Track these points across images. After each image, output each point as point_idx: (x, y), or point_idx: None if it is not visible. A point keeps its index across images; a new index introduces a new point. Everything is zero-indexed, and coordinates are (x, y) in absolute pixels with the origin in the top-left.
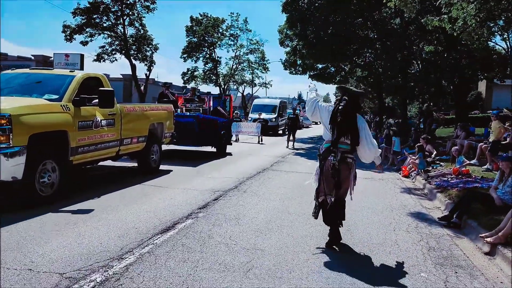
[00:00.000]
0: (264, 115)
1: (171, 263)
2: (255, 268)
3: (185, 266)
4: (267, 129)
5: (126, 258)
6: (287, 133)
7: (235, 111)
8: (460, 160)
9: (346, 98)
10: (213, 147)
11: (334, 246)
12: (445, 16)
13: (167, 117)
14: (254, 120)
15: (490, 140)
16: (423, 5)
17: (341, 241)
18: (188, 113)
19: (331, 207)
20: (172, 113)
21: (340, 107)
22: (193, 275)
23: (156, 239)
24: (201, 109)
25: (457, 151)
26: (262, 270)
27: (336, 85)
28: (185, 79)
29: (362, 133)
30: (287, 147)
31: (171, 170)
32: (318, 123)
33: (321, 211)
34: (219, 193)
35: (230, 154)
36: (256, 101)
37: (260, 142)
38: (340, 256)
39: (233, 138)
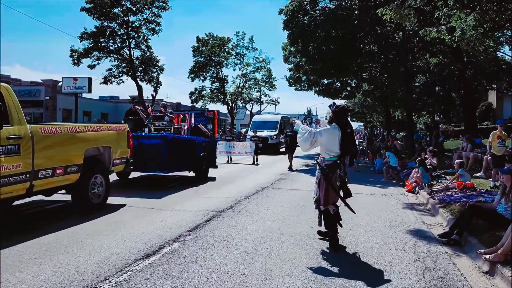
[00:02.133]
0: (265, 133)
1: None
2: None
3: None
4: (268, 147)
5: (100, 287)
6: (286, 152)
7: (241, 129)
8: (460, 173)
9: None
10: (190, 172)
11: (327, 263)
12: (443, 27)
13: (117, 139)
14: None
15: (498, 152)
16: (423, 17)
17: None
18: (157, 133)
19: (336, 213)
20: (126, 134)
21: (348, 131)
22: None
23: (137, 265)
24: (172, 128)
25: (458, 164)
26: None
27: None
28: (193, 98)
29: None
30: (289, 167)
31: (125, 205)
32: None
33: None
34: (212, 214)
35: (213, 179)
36: (255, 118)
37: (255, 163)
38: (327, 279)
39: (225, 159)
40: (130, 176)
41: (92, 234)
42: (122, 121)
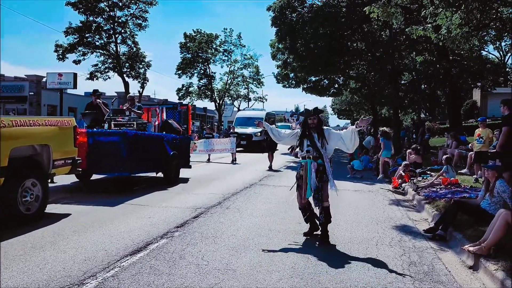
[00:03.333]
0: (249, 129)
1: (134, 287)
2: None
3: None
4: (252, 145)
5: (87, 283)
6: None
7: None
8: (445, 169)
9: None
10: (157, 173)
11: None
12: (429, 25)
13: (59, 136)
14: (239, 136)
15: (476, 149)
16: (410, 16)
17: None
18: (115, 130)
19: None
20: (71, 130)
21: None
22: None
23: (124, 262)
24: (135, 123)
25: (445, 160)
26: None
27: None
28: (180, 95)
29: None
30: (270, 168)
31: (69, 214)
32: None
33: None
34: (200, 210)
35: (185, 180)
36: (239, 114)
37: (234, 162)
38: (314, 274)
39: (205, 158)
40: (92, 178)
41: (79, 230)
42: (80, 115)
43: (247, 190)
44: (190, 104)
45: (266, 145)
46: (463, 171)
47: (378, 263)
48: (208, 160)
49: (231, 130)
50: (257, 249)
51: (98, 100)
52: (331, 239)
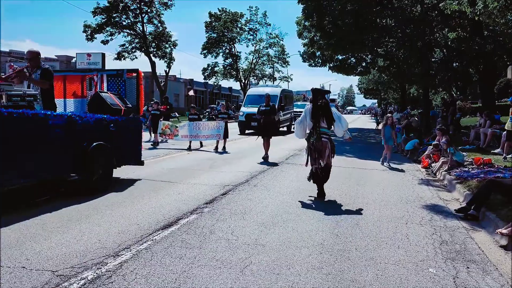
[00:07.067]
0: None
1: (167, 259)
2: (253, 264)
3: (180, 262)
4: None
5: (122, 255)
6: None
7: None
8: (450, 151)
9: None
10: (68, 177)
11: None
12: None
13: None
14: (249, 116)
15: (509, 127)
16: None
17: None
18: None
19: (317, 172)
20: None
21: (319, 103)
22: (187, 272)
23: (156, 235)
24: (4, 95)
25: (445, 143)
26: (260, 266)
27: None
28: (205, 75)
29: (334, 116)
30: (264, 158)
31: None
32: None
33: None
34: (228, 188)
35: (121, 188)
36: (251, 91)
37: (221, 150)
38: (344, 250)
39: (186, 145)
40: None
41: (112, 205)
42: None
43: (273, 169)
44: (140, 70)
45: (259, 127)
46: (496, 151)
47: (408, 241)
48: (190, 148)
49: (222, 110)
50: (286, 225)
51: None
52: (359, 218)
